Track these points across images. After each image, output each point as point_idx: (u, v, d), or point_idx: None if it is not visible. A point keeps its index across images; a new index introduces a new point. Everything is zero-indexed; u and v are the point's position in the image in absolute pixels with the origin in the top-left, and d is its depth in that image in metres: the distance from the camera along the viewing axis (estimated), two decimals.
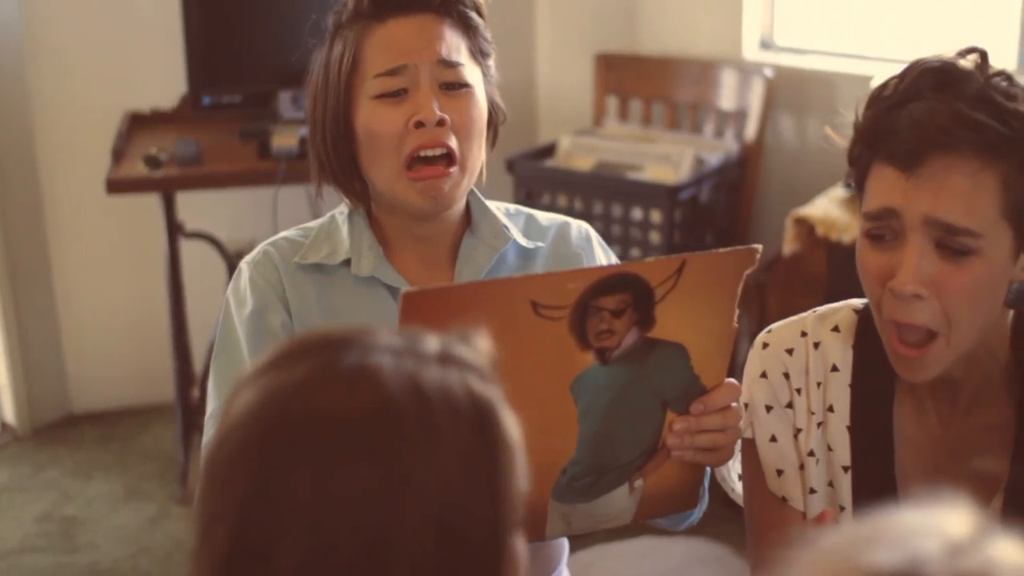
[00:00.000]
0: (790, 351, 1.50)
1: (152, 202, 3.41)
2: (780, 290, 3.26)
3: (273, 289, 1.58)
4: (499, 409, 0.88)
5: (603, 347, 1.31)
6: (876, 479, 1.45)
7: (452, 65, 1.54)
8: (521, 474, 0.88)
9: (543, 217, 1.70)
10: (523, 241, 1.64)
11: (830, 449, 1.48)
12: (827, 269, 3.11)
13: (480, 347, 0.91)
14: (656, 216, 3.24)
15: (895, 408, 1.46)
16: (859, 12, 3.57)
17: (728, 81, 3.53)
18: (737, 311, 1.34)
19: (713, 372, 1.38)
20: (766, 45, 3.65)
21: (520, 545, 0.90)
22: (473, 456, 0.85)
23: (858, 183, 1.39)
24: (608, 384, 1.33)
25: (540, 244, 1.65)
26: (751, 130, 3.47)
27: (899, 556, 0.69)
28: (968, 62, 1.35)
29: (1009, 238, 1.33)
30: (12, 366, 3.73)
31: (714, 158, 3.38)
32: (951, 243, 1.31)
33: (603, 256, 1.69)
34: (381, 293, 1.58)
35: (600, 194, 3.32)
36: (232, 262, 3.42)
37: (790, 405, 1.50)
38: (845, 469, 1.47)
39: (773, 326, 1.54)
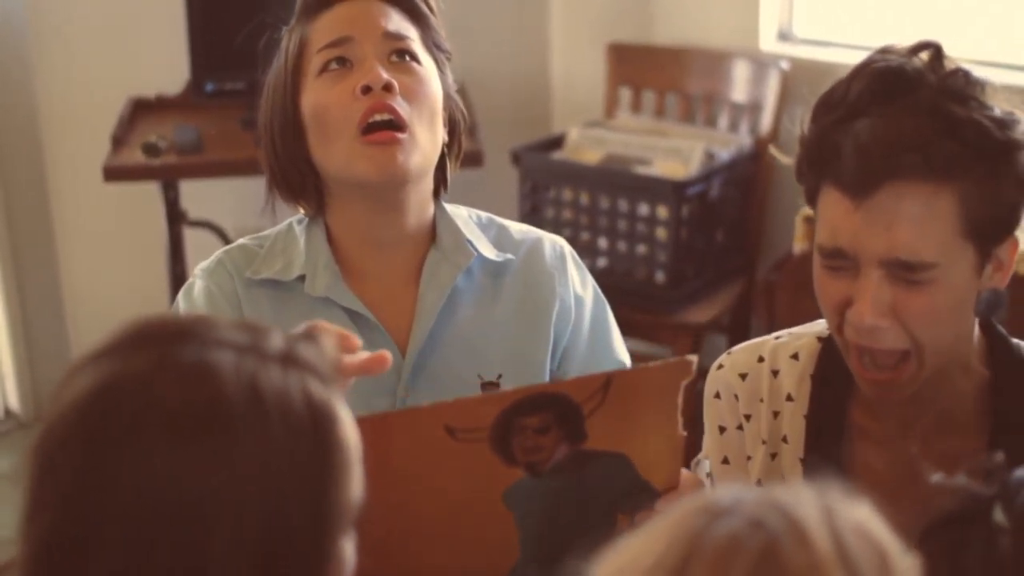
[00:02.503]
0: (743, 376, 1.45)
1: (157, 188, 3.37)
2: (790, 289, 3.17)
3: (227, 299, 1.53)
4: (335, 414, 0.89)
5: (532, 461, 1.26)
6: None
7: (400, 38, 1.50)
8: (356, 479, 0.90)
9: (516, 230, 1.63)
10: (491, 254, 1.57)
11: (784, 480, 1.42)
12: None
13: (325, 348, 0.92)
14: (662, 212, 3.16)
15: (853, 439, 1.40)
16: (883, 3, 3.47)
17: (742, 73, 3.44)
18: (681, 419, 1.27)
19: (664, 475, 1.31)
20: (784, 36, 3.54)
21: (348, 548, 0.90)
22: (303, 458, 0.86)
23: (809, 201, 1.32)
24: (543, 493, 1.28)
25: (510, 256, 1.58)
26: (765, 124, 3.38)
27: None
28: (920, 61, 1.27)
29: (971, 254, 1.26)
30: (16, 352, 3.71)
31: (726, 153, 3.29)
32: (907, 276, 1.25)
33: (577, 277, 1.62)
34: (338, 314, 1.50)
35: (606, 188, 3.24)
36: None
37: (740, 428, 1.45)
38: None
39: (734, 348, 1.49)
